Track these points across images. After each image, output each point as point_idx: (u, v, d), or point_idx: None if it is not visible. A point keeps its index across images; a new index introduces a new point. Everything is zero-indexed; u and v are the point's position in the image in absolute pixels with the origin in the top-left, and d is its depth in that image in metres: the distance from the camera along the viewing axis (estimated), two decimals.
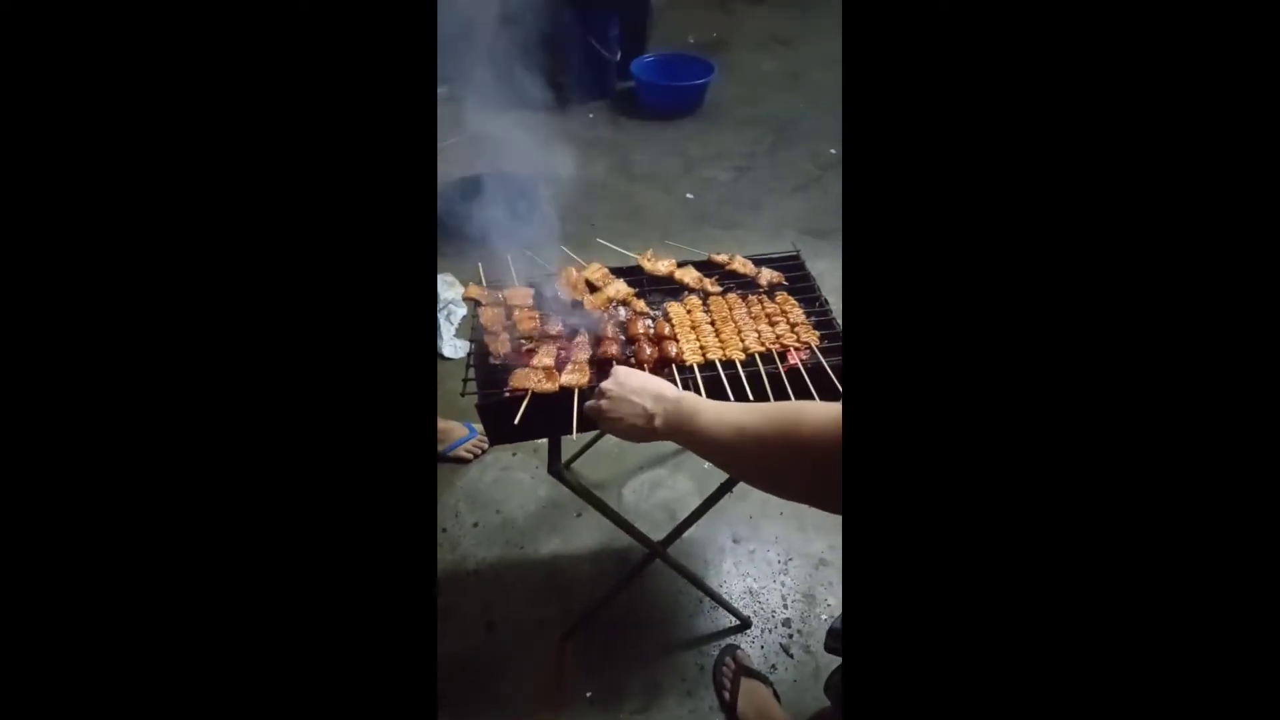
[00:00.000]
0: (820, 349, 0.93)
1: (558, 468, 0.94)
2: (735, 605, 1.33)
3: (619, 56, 3.10)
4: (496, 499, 1.56)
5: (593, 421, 0.88)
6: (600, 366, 0.92)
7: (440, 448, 1.61)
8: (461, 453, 1.62)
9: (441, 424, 1.62)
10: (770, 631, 1.33)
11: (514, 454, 1.65)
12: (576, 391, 0.86)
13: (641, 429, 0.67)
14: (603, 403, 0.71)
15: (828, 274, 1.80)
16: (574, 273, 1.05)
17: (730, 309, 1.00)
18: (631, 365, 0.90)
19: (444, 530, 1.50)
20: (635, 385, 0.69)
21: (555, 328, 0.95)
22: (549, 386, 0.86)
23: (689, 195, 2.58)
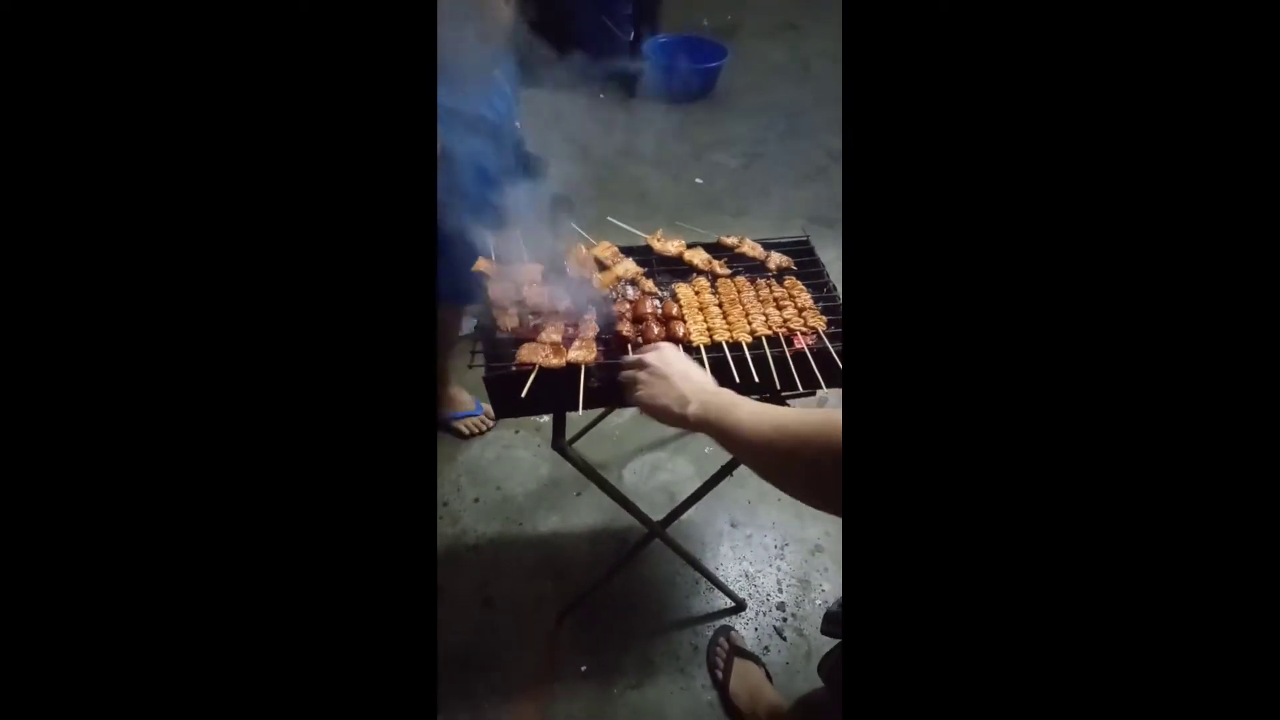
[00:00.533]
0: (827, 334, 0.93)
1: (562, 443, 0.94)
2: (731, 588, 1.34)
3: (632, 36, 3.07)
4: (498, 476, 1.57)
5: (607, 396, 0.88)
6: (607, 344, 0.92)
7: (446, 412, 1.63)
8: (460, 426, 1.63)
9: (453, 390, 1.63)
10: (765, 614, 1.34)
11: (516, 431, 1.66)
12: (583, 368, 0.86)
13: (674, 413, 0.67)
14: (641, 374, 0.70)
15: (835, 263, 1.79)
16: (583, 250, 1.05)
17: (739, 292, 1.00)
18: (639, 345, 0.90)
19: (445, 504, 1.51)
20: (678, 367, 0.69)
21: (563, 304, 0.95)
22: (556, 362, 0.86)
23: (698, 180, 2.57)
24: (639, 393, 0.71)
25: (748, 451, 0.63)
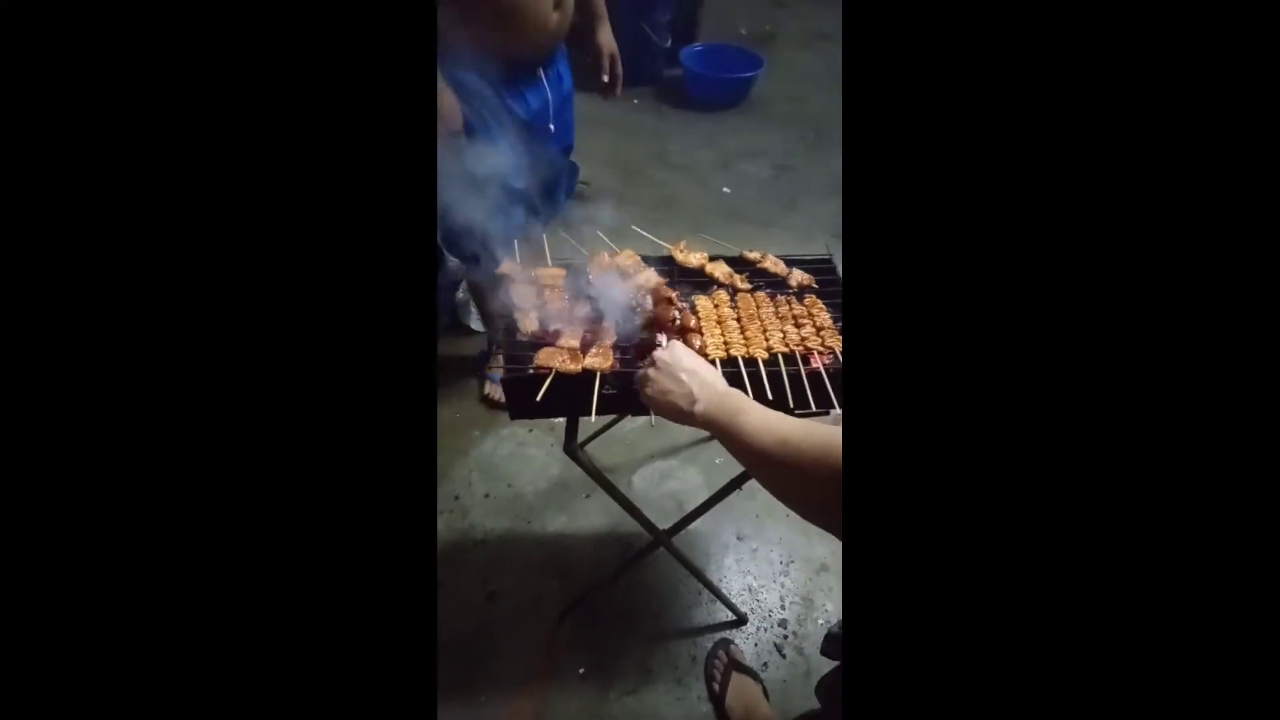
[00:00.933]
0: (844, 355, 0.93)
1: (573, 447, 0.95)
2: (733, 601, 1.34)
3: (669, 43, 3.08)
4: (509, 473, 1.59)
5: (620, 404, 0.89)
6: (624, 352, 0.93)
7: (490, 371, 1.73)
8: (491, 385, 1.70)
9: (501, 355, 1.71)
10: (765, 630, 1.34)
11: (530, 430, 1.68)
12: (599, 375, 0.87)
13: (682, 410, 0.67)
14: (650, 371, 0.71)
15: None
16: (606, 257, 1.06)
17: (758, 307, 1.01)
18: (669, 330, 0.90)
19: (456, 498, 1.53)
20: (688, 365, 0.70)
21: (583, 310, 0.96)
22: (573, 367, 0.87)
23: (725, 190, 2.57)
24: (647, 389, 0.71)
25: (749, 460, 0.63)
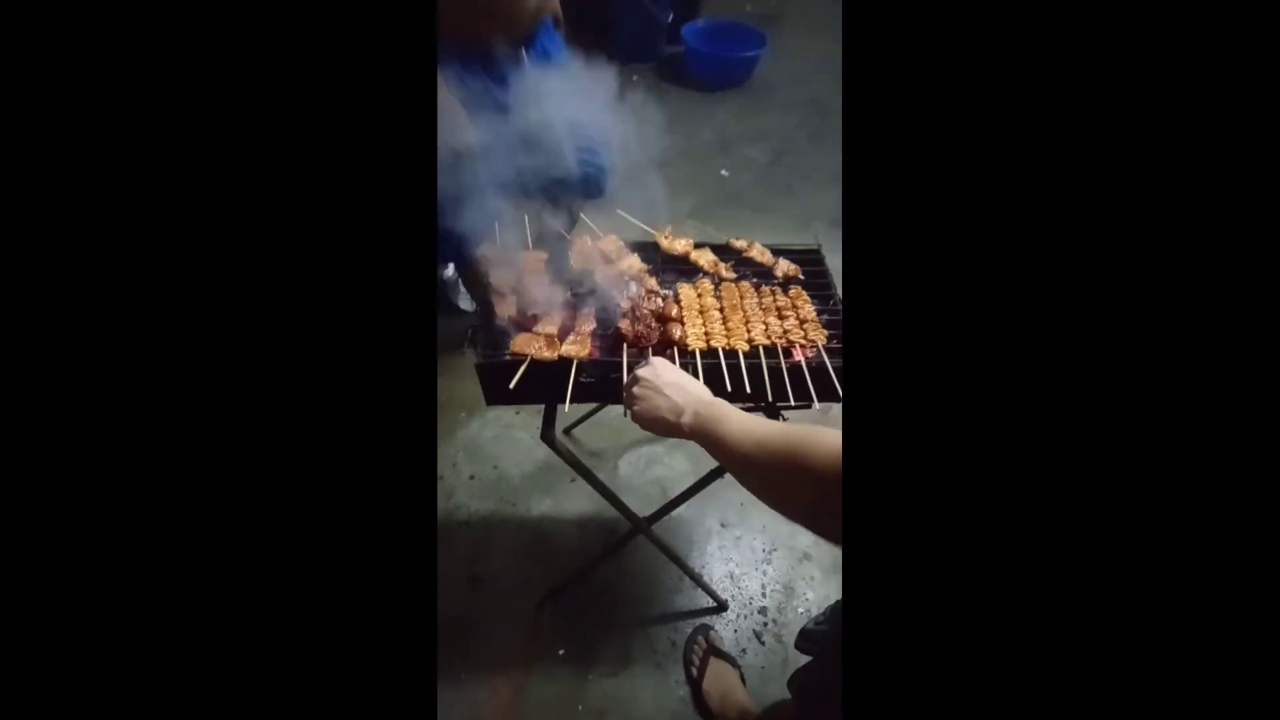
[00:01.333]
0: (827, 349, 0.92)
1: (550, 434, 0.94)
2: (714, 588, 1.34)
3: (670, 18, 3.01)
4: (495, 455, 1.59)
5: (596, 392, 0.89)
6: (602, 340, 0.92)
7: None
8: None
9: None
10: (746, 617, 1.35)
11: (516, 413, 1.67)
12: (575, 362, 0.86)
13: (669, 423, 0.69)
14: (635, 390, 0.73)
15: None
16: (589, 242, 1.04)
17: (741, 297, 0.99)
18: (635, 344, 0.90)
19: (440, 478, 1.53)
20: (671, 380, 0.71)
21: (562, 296, 0.94)
22: (548, 355, 0.86)
23: (723, 172, 2.53)
24: (635, 408, 0.73)
25: (732, 465, 0.65)
